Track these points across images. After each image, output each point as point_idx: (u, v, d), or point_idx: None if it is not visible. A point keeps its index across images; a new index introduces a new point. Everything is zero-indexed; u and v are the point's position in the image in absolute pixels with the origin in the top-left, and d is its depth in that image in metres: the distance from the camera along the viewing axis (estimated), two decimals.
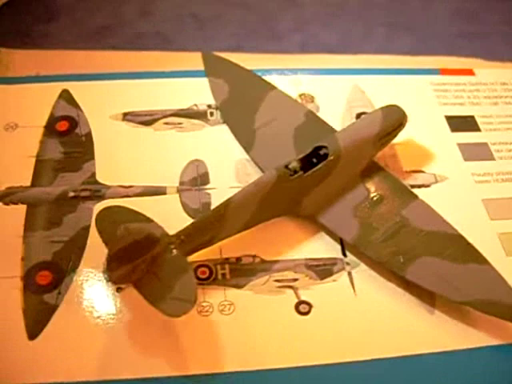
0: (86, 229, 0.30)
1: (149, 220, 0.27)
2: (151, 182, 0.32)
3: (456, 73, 0.40)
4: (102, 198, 0.32)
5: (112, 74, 0.38)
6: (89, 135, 0.35)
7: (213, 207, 0.30)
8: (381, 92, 0.38)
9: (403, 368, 0.27)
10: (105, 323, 0.27)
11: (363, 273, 0.30)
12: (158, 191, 0.32)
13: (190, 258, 0.28)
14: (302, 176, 0.30)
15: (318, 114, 0.36)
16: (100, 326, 0.27)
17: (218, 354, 0.27)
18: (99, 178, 0.33)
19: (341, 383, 0.26)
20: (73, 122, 0.35)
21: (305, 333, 0.27)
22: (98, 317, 0.27)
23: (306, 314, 0.28)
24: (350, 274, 0.30)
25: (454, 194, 0.33)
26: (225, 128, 0.35)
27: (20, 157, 0.33)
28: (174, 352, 0.26)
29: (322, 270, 0.30)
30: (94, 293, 0.28)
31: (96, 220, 0.27)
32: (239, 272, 0.29)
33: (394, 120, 0.33)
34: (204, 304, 0.28)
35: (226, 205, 0.28)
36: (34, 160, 0.33)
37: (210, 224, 0.28)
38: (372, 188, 0.31)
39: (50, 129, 0.35)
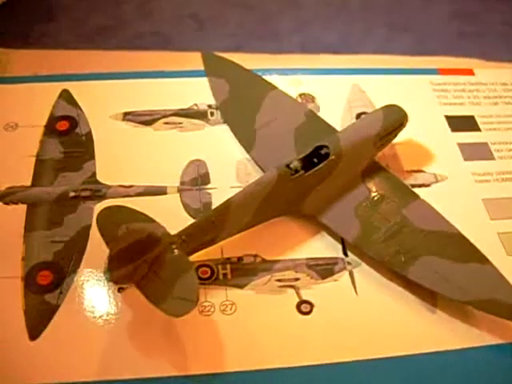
0: (87, 229, 0.30)
1: (150, 220, 0.27)
2: (152, 182, 0.32)
3: (455, 73, 0.40)
4: (102, 197, 0.32)
5: (112, 74, 0.38)
6: (89, 135, 0.34)
7: (214, 207, 0.30)
8: (381, 92, 0.38)
9: (405, 367, 0.27)
10: (106, 323, 0.27)
11: (364, 272, 0.30)
12: (159, 191, 0.32)
13: (192, 258, 0.28)
14: (303, 175, 0.30)
15: (319, 114, 0.36)
16: (101, 326, 0.27)
17: (219, 354, 0.26)
18: (100, 177, 0.33)
19: (343, 382, 0.26)
20: (73, 122, 0.35)
21: (306, 332, 0.27)
22: (99, 317, 0.27)
23: (308, 313, 0.28)
24: (351, 273, 0.30)
25: (454, 193, 0.33)
26: (225, 128, 0.35)
27: (20, 156, 0.33)
28: (176, 352, 0.26)
29: (324, 269, 0.30)
30: (95, 293, 0.28)
31: (97, 220, 0.27)
32: (240, 272, 0.29)
33: (394, 120, 0.33)
34: (205, 304, 0.28)
35: (227, 204, 0.28)
36: (34, 160, 0.33)
37: (212, 224, 0.28)
38: (373, 187, 0.31)
39: (50, 128, 0.35)
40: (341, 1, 0.50)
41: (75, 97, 0.36)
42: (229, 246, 0.30)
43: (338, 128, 0.34)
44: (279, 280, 0.29)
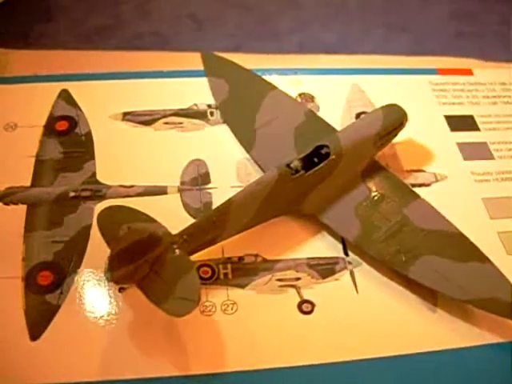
0: (87, 229, 0.30)
1: (151, 220, 0.27)
2: (152, 182, 0.32)
3: (454, 73, 0.40)
4: (102, 197, 0.32)
5: (111, 74, 0.38)
6: (88, 135, 0.34)
7: (214, 207, 0.30)
8: (380, 92, 0.38)
9: (405, 366, 0.27)
10: (107, 323, 0.27)
11: (365, 272, 0.30)
12: (159, 191, 0.32)
13: (192, 258, 0.28)
14: (304, 175, 0.30)
15: (318, 114, 0.36)
16: (102, 327, 0.27)
17: (220, 354, 0.26)
18: (100, 177, 0.32)
19: (344, 382, 0.26)
20: (72, 122, 0.35)
21: (308, 332, 0.27)
22: (100, 317, 0.27)
23: (309, 313, 0.28)
24: (352, 272, 0.30)
25: (454, 193, 0.34)
26: (225, 128, 0.35)
27: (20, 157, 0.33)
28: (177, 352, 0.26)
29: (325, 269, 0.30)
30: (96, 293, 0.28)
31: (98, 219, 0.27)
32: (241, 271, 0.29)
33: (394, 119, 0.33)
34: (207, 304, 0.28)
35: (228, 204, 0.28)
36: (33, 160, 0.33)
37: (213, 223, 0.28)
38: (373, 187, 0.31)
39: (49, 128, 0.34)
40: (340, 1, 0.50)
41: (74, 97, 0.36)
42: (229, 246, 0.30)
43: (338, 128, 0.34)
44: (280, 280, 0.29)
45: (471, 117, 0.38)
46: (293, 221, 0.31)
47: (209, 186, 0.33)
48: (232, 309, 0.28)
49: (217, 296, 0.28)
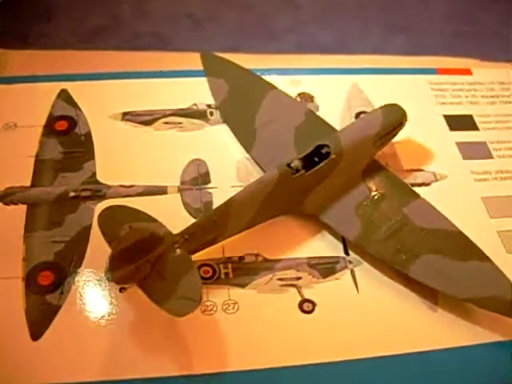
0: (88, 229, 0.30)
1: (152, 219, 0.27)
2: (152, 182, 0.32)
3: (453, 72, 0.41)
4: (102, 197, 0.31)
5: (111, 74, 0.38)
6: (88, 135, 0.34)
7: (214, 206, 0.30)
8: (380, 91, 0.38)
9: (406, 365, 0.27)
10: (108, 323, 0.27)
11: (366, 271, 0.30)
12: (159, 191, 0.32)
13: (193, 258, 0.28)
14: (304, 175, 0.30)
15: (318, 114, 0.36)
16: (103, 326, 0.27)
17: (222, 353, 0.26)
18: (99, 177, 0.32)
19: (345, 381, 0.26)
20: (72, 122, 0.35)
21: (309, 331, 0.27)
22: (101, 317, 0.27)
23: (310, 312, 0.28)
24: (352, 272, 0.30)
25: (453, 192, 0.34)
26: (225, 127, 0.35)
27: (19, 157, 0.33)
28: (178, 352, 0.26)
29: (325, 268, 0.30)
30: (97, 293, 0.28)
31: (99, 219, 0.27)
32: (242, 271, 0.29)
33: (394, 119, 0.33)
34: (208, 303, 0.28)
35: (228, 204, 0.28)
36: (33, 160, 0.33)
37: (214, 223, 0.28)
38: (373, 186, 0.31)
39: (49, 128, 0.34)
40: (338, 1, 0.50)
41: (74, 97, 0.36)
42: (230, 246, 0.30)
43: (338, 127, 0.34)
44: (281, 279, 0.29)
45: (470, 116, 0.38)
46: (293, 220, 0.31)
47: (209, 185, 0.33)
48: (233, 308, 0.28)
49: (218, 296, 0.28)
